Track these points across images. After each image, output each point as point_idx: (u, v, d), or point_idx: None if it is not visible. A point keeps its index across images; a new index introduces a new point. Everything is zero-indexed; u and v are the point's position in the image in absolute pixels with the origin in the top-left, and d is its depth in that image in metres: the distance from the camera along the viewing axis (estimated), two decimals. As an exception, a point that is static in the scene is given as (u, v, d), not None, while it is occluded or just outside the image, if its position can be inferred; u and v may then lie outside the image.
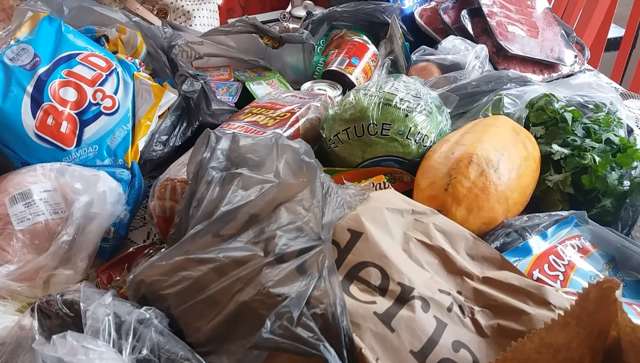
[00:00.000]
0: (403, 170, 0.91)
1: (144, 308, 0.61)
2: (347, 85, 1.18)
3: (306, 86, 1.17)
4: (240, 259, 0.62)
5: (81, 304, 0.58)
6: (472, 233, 0.68)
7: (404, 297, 0.58)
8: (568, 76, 1.28)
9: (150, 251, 0.83)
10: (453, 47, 1.23)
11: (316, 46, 1.29)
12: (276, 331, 0.53)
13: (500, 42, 1.24)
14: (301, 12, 1.47)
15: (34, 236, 0.82)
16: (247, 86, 1.16)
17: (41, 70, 0.94)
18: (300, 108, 0.99)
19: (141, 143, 0.97)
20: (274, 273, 0.59)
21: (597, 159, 0.86)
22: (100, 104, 0.96)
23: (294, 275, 0.59)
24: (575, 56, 1.33)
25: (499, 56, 1.26)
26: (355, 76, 1.20)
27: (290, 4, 1.58)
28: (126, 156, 0.96)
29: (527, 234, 0.79)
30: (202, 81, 1.01)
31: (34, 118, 0.92)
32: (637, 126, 1.17)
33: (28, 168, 0.88)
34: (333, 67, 1.21)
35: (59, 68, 0.96)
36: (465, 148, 0.83)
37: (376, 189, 0.86)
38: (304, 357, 0.52)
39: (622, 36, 1.96)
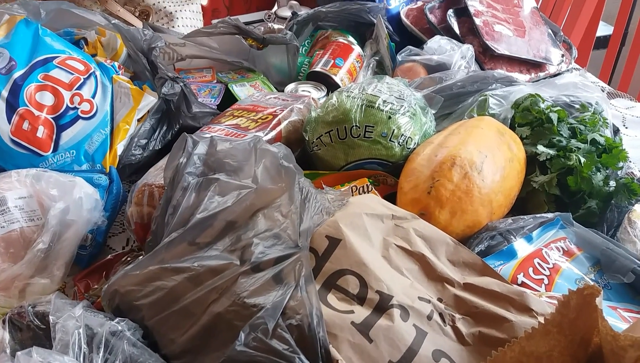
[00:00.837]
0: (387, 173, 0.89)
1: (116, 319, 0.59)
2: (331, 86, 1.16)
3: (290, 87, 1.16)
4: (216, 268, 0.60)
5: (50, 317, 0.56)
6: (453, 238, 0.67)
7: (382, 306, 0.56)
8: (555, 75, 1.27)
9: (128, 258, 0.81)
10: (439, 47, 1.21)
11: (301, 47, 1.27)
12: (250, 343, 0.52)
13: (487, 42, 1.23)
14: (287, 13, 1.46)
15: (9, 245, 0.80)
16: (230, 88, 1.15)
17: (17, 74, 0.93)
18: (283, 110, 0.97)
19: (120, 147, 0.96)
20: (249, 283, 0.58)
21: (583, 160, 0.85)
22: (78, 108, 0.94)
23: (270, 285, 0.57)
24: (563, 55, 1.32)
25: (486, 55, 1.25)
26: (340, 77, 1.18)
27: (275, 4, 1.57)
28: (104, 161, 0.94)
29: (512, 237, 0.78)
30: (181, 84, 0.99)
31: (9, 123, 0.90)
32: (624, 125, 1.17)
33: (3, 174, 0.86)
34: (317, 69, 1.19)
35: (35, 72, 0.94)
36: (449, 150, 0.82)
37: (360, 193, 0.84)
38: (279, 370, 0.51)
39: (611, 34, 1.95)
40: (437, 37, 1.24)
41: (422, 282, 0.61)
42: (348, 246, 0.61)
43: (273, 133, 0.92)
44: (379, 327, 0.55)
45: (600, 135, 0.91)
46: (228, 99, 1.13)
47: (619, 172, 0.88)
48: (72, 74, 0.96)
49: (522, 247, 0.76)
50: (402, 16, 1.35)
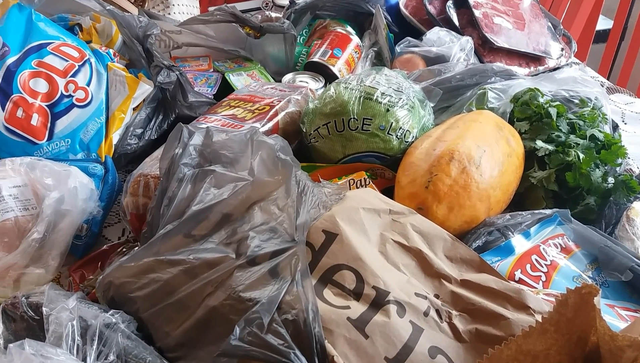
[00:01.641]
0: (384, 166, 0.88)
1: (111, 311, 0.59)
2: (329, 77, 1.15)
3: (287, 77, 1.15)
4: (212, 261, 0.60)
5: (44, 309, 0.55)
6: (451, 234, 0.66)
7: (378, 302, 0.56)
8: (554, 69, 1.26)
9: (124, 249, 0.81)
10: (438, 38, 1.20)
11: (299, 36, 1.26)
12: (245, 338, 0.51)
13: (486, 34, 1.22)
14: (284, 1, 1.43)
15: (3, 234, 0.80)
16: (227, 77, 1.13)
17: (10, 60, 0.91)
18: (280, 101, 0.96)
19: (115, 137, 0.94)
20: (245, 277, 0.57)
21: (582, 156, 0.85)
22: (73, 96, 0.93)
23: (266, 279, 0.57)
24: (562, 49, 1.31)
25: (485, 48, 1.24)
26: (337, 67, 1.17)
27: (273, -8, 1.55)
28: (100, 150, 0.93)
29: (510, 233, 0.77)
30: (177, 72, 0.98)
31: (3, 110, 0.89)
32: (623, 121, 1.16)
33: (-4, 163, 0.85)
34: (315, 59, 1.18)
35: (29, 58, 0.93)
36: (447, 144, 0.81)
37: (357, 186, 0.84)
38: (275, 365, 0.50)
39: (611, 28, 1.94)
40: (436, 29, 1.23)
41: (419, 278, 0.61)
42: (345, 241, 0.60)
43: (270, 124, 0.91)
44: (375, 322, 0.54)
45: (600, 131, 0.90)
46: (225, 89, 1.11)
47: (617, 168, 0.88)
48: (67, 61, 0.95)
49: (519, 243, 0.76)
50: (401, 7, 1.33)
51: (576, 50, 1.35)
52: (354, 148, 0.89)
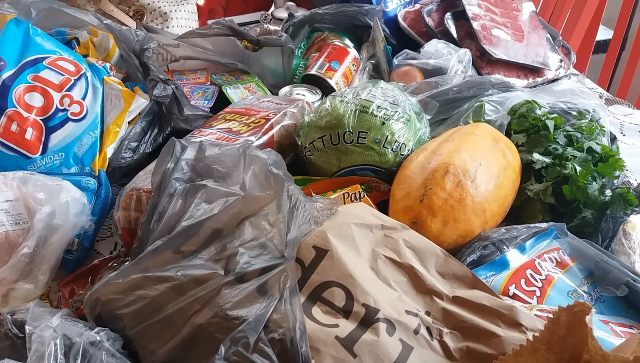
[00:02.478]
0: (380, 179, 0.88)
1: (96, 329, 0.58)
2: (327, 90, 1.15)
3: (284, 90, 1.14)
4: (200, 278, 0.59)
5: (26, 327, 0.55)
6: (444, 250, 0.65)
7: (368, 320, 0.55)
8: (553, 80, 1.25)
9: (115, 264, 0.80)
10: (436, 51, 1.20)
11: (297, 49, 1.26)
12: (231, 358, 0.50)
13: (484, 46, 1.22)
14: (283, 14, 1.44)
15: (-6, 248, 0.79)
16: (224, 90, 1.13)
17: (5, 74, 0.91)
18: (276, 114, 0.96)
19: (109, 150, 0.94)
20: (232, 294, 0.56)
21: (579, 168, 0.84)
22: (68, 110, 0.93)
23: (254, 296, 0.56)
24: (561, 60, 1.30)
25: (483, 60, 1.23)
26: (335, 80, 1.17)
27: (272, 5, 1.55)
28: (93, 163, 0.93)
29: (505, 247, 0.76)
30: (173, 86, 0.98)
31: (-3, 125, 0.89)
32: (622, 132, 1.15)
33: (-11, 177, 0.84)
34: (312, 72, 1.18)
35: (24, 73, 0.93)
36: (442, 157, 0.80)
37: (352, 200, 0.83)
38: (260, 386, 0.49)
39: (611, 38, 1.94)
40: (434, 41, 1.22)
41: (411, 295, 0.60)
42: (335, 257, 0.60)
43: (265, 138, 0.91)
44: (364, 341, 0.53)
45: (597, 143, 0.89)
46: (222, 101, 1.11)
47: (615, 181, 0.87)
48: (63, 75, 0.95)
49: (514, 257, 0.75)
50: (400, 19, 1.33)
51: (575, 61, 1.35)
52: (349, 161, 0.88)
